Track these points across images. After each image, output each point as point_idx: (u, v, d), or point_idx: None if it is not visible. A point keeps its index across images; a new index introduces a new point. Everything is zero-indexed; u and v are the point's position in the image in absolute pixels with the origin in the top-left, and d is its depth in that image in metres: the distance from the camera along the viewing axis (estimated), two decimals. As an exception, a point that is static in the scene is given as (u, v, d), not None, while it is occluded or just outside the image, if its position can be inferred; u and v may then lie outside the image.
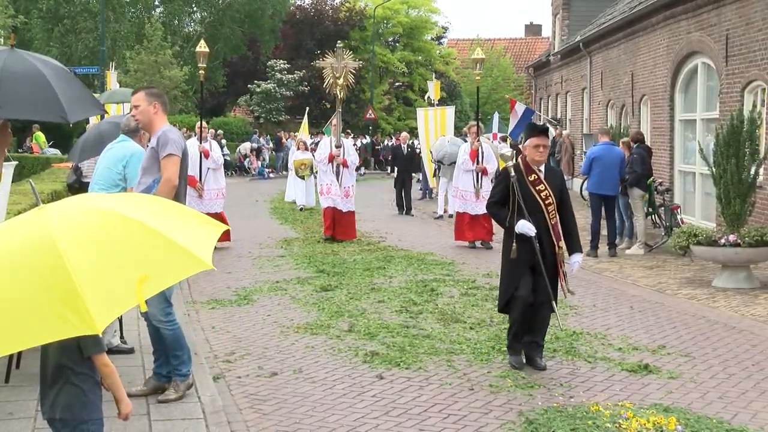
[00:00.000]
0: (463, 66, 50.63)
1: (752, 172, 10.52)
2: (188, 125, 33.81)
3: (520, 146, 6.96)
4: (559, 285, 6.78)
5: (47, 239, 2.95)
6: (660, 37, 18.24)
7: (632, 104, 20.50)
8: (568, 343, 7.61)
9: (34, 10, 36.43)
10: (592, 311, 9.10)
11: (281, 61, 42.02)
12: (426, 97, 24.93)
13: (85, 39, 37.39)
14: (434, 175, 21.21)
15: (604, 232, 13.60)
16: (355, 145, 26.48)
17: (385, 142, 39.78)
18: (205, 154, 13.51)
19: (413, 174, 22.39)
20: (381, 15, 44.65)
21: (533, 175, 6.70)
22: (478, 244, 14.04)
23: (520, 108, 21.47)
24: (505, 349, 7.41)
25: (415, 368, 6.82)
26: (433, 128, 21.39)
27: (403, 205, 20.13)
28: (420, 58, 46.53)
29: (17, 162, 9.09)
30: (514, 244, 6.55)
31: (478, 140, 14.16)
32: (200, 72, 14.42)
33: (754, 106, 12.60)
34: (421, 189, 24.19)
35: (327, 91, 15.32)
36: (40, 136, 27.67)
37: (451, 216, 18.76)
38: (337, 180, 14.30)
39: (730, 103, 14.06)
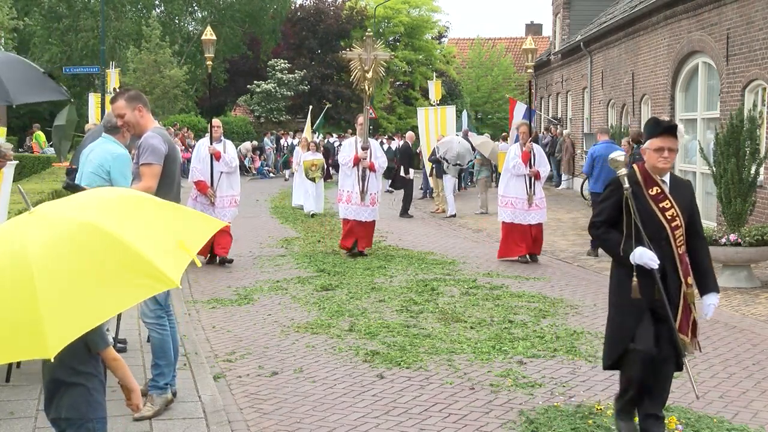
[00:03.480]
0: (463, 65, 50.64)
1: (753, 171, 10.52)
2: (188, 124, 33.85)
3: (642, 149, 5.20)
4: (687, 336, 5.04)
5: (22, 254, 2.90)
6: (661, 36, 18.24)
7: (633, 104, 20.50)
8: (568, 342, 7.61)
9: (35, 8, 36.45)
10: (593, 311, 9.10)
11: (282, 61, 42.04)
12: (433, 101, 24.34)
13: (85, 38, 37.41)
14: (430, 175, 21.09)
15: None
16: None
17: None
18: (216, 156, 11.91)
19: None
20: (382, 14, 44.67)
21: (655, 188, 5.01)
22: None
23: (520, 108, 21.43)
24: (506, 349, 7.40)
25: (415, 368, 6.82)
26: (434, 128, 21.37)
27: (408, 206, 19.45)
28: (421, 57, 46.55)
29: (17, 162, 9.08)
30: (635, 279, 4.89)
31: (531, 141, 12.76)
32: (207, 63, 12.86)
33: (755, 105, 12.59)
34: (422, 188, 24.18)
35: (354, 85, 13.66)
36: (41, 135, 27.70)
37: (454, 215, 18.82)
38: (363, 185, 12.75)
39: (731, 103, 14.07)
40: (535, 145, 12.83)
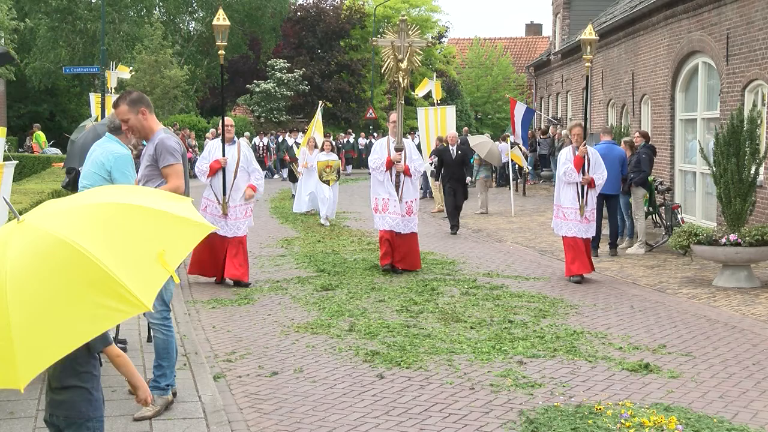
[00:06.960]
0: (463, 65, 50.65)
1: (753, 171, 10.52)
2: (188, 125, 33.86)
3: None
4: None
5: (57, 241, 2.90)
6: (661, 36, 18.24)
7: (633, 104, 20.50)
8: (568, 342, 7.61)
9: (41, 4, 36.39)
10: (593, 310, 9.10)
11: (281, 61, 42.04)
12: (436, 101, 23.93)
13: (88, 39, 37.40)
14: (430, 175, 21.05)
15: (605, 231, 13.60)
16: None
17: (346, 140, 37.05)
18: (215, 168, 10.48)
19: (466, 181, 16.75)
20: (382, 14, 44.67)
21: None
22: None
23: (520, 108, 21.44)
24: (506, 349, 7.41)
25: (415, 368, 6.82)
26: (434, 128, 21.34)
27: (457, 221, 16.17)
28: (421, 57, 46.57)
29: (18, 161, 9.08)
30: None
31: (585, 145, 11.06)
32: (220, 53, 10.98)
33: (755, 105, 12.60)
34: (421, 188, 24.17)
35: (385, 77, 11.97)
36: (41, 135, 27.71)
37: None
38: (397, 193, 11.29)
39: (731, 103, 14.07)
40: (590, 149, 11.19)
